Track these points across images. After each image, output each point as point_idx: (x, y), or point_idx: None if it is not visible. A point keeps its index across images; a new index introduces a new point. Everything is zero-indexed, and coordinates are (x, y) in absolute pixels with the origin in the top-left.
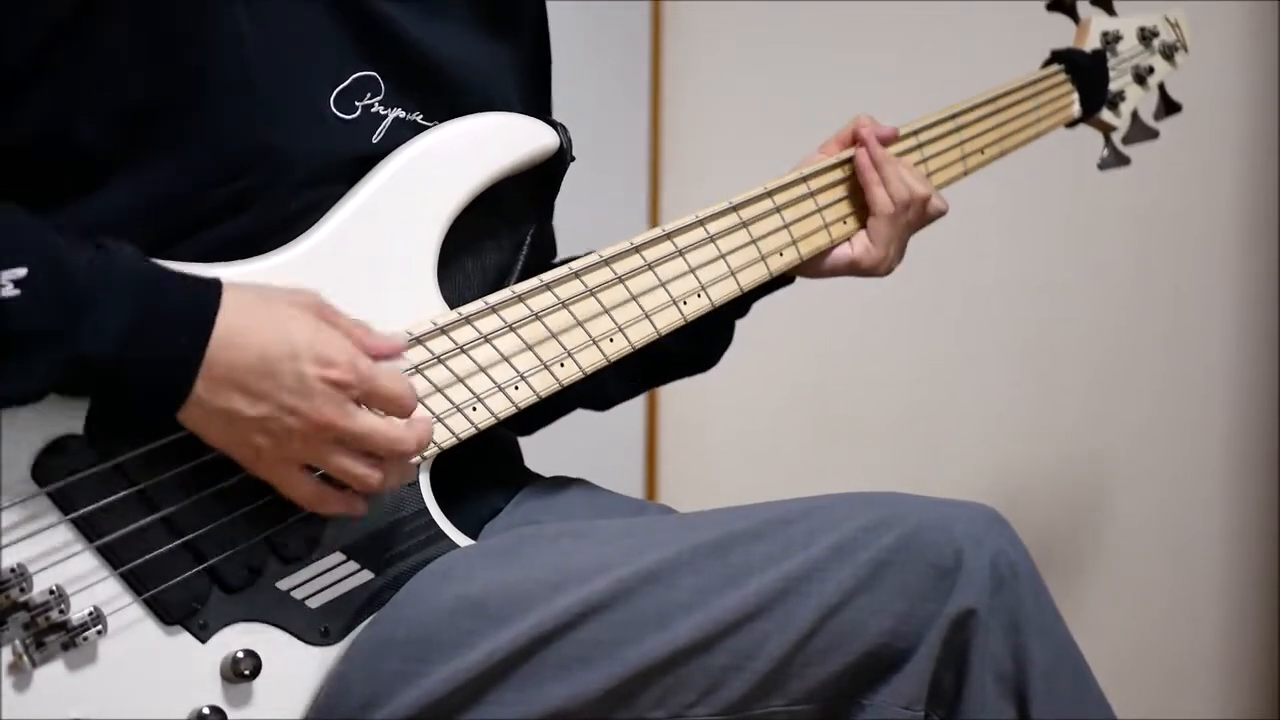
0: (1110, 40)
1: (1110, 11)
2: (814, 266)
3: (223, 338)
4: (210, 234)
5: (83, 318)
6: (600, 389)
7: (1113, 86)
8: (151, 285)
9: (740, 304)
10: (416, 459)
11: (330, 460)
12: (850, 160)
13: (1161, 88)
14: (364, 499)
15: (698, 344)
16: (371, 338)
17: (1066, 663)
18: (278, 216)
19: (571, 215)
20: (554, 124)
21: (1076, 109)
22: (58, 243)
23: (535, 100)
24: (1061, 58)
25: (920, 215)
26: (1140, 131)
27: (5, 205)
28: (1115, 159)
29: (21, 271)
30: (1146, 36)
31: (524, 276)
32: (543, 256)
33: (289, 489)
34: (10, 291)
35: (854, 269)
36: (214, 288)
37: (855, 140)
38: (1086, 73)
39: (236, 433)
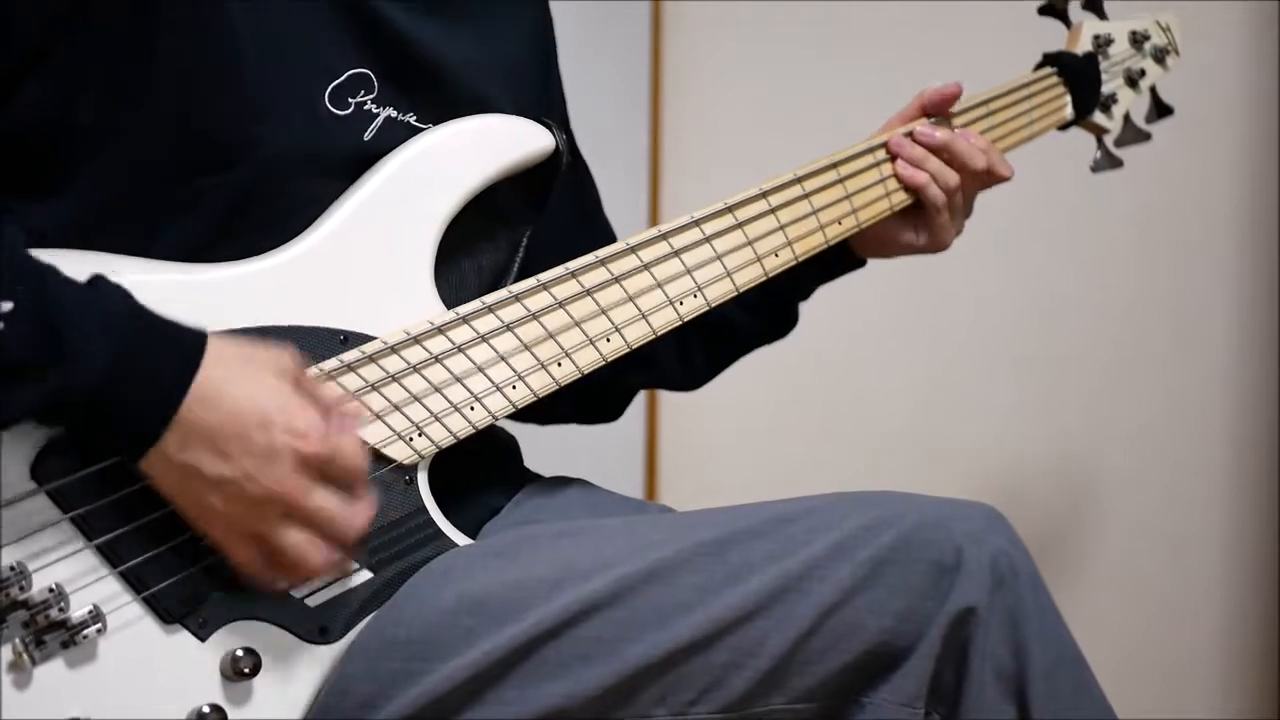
0: (1102, 44)
1: (1101, 15)
2: (885, 248)
3: (199, 395)
4: (199, 225)
5: (64, 358)
6: (689, 370)
7: (1105, 89)
8: (137, 331)
9: (804, 287)
10: (352, 565)
11: (276, 531)
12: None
13: (1153, 90)
14: (294, 581)
15: (766, 324)
16: (343, 405)
17: (1067, 662)
18: (267, 209)
19: None
20: (549, 125)
21: (1069, 111)
22: (50, 277)
23: (539, 97)
24: (1053, 60)
25: (981, 185)
26: (1132, 134)
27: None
28: (1108, 161)
29: (8, 305)
30: (1138, 40)
31: (521, 276)
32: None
33: (230, 551)
34: None
35: (922, 251)
36: (199, 342)
37: (922, 114)
38: (1079, 75)
39: (191, 489)
